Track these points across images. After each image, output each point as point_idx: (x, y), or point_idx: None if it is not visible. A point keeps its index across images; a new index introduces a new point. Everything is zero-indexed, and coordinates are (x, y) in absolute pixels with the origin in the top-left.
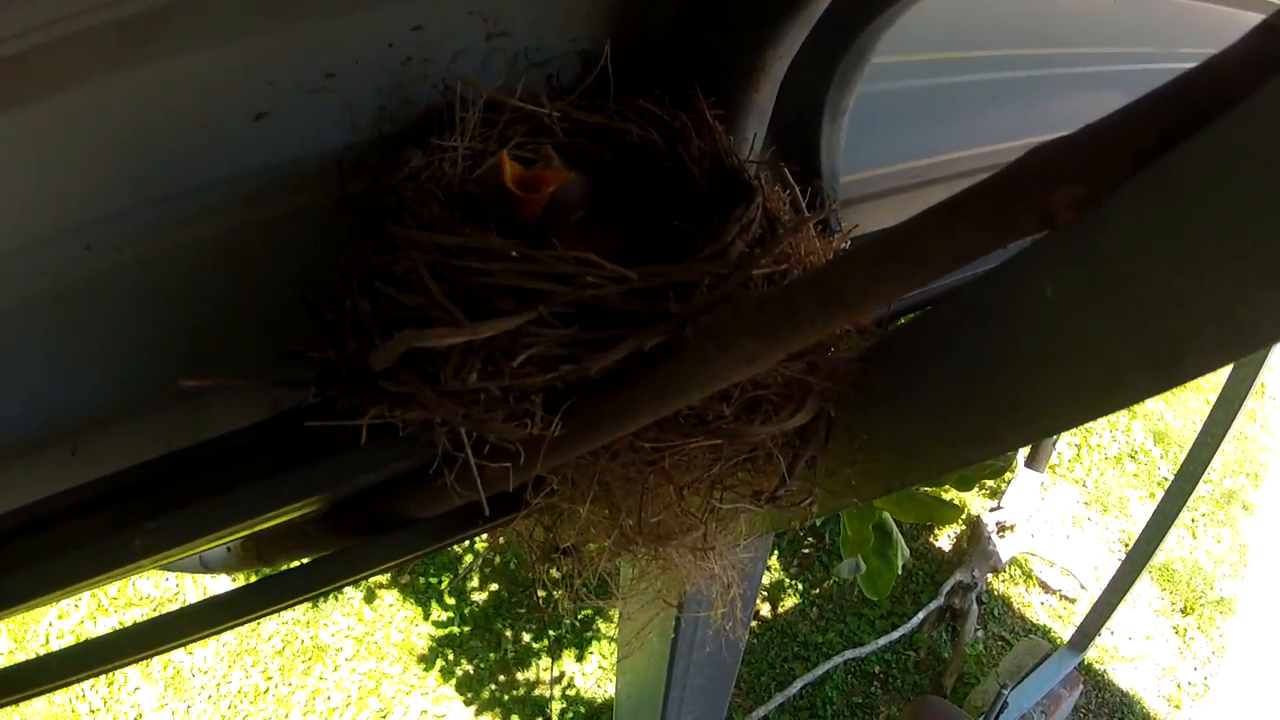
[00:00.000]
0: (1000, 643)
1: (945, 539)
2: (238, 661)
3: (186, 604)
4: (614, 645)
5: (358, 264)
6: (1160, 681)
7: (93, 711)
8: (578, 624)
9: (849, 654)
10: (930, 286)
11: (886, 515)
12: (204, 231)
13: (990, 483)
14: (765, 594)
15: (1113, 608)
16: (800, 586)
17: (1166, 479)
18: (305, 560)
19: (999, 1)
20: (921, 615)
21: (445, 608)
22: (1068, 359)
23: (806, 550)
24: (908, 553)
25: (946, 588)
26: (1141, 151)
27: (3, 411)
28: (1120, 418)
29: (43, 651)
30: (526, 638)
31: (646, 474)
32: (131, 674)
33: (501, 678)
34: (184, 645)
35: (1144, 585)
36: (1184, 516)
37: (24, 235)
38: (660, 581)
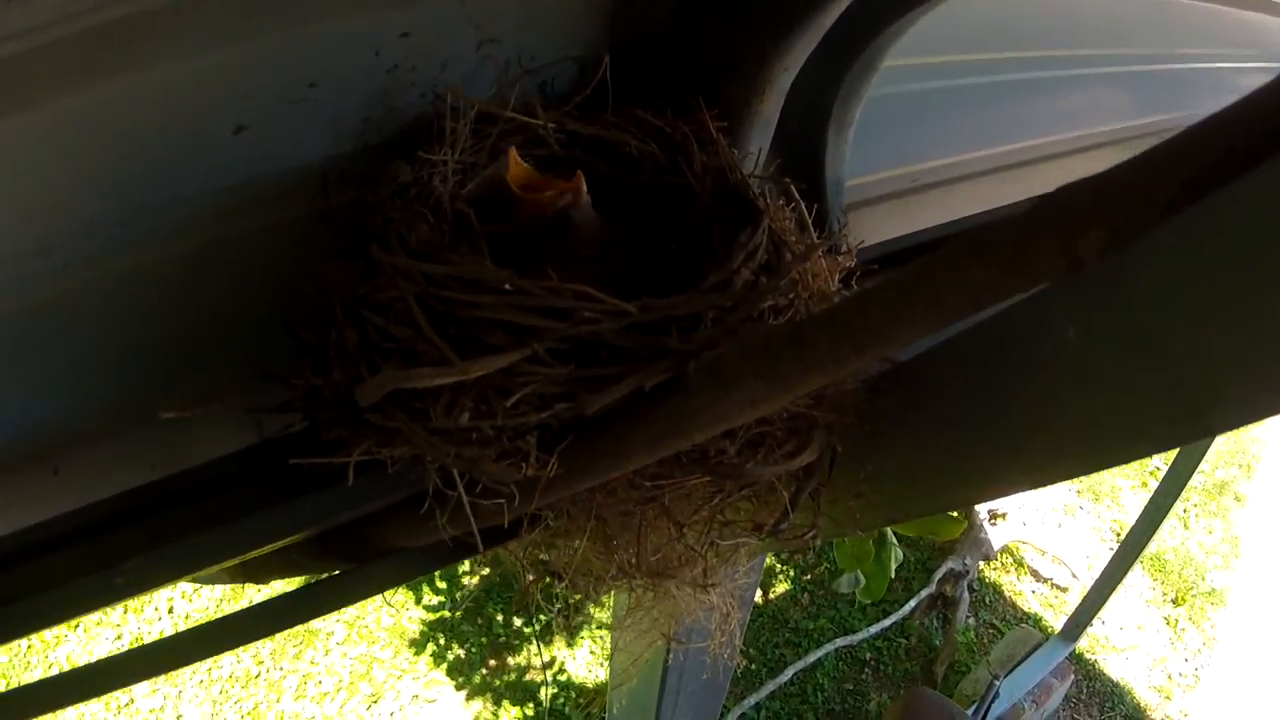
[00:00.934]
0: (991, 631)
1: None
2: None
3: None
4: (605, 632)
5: (342, 288)
6: (1151, 672)
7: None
8: (569, 609)
9: (840, 641)
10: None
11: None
12: (183, 246)
13: None
14: None
15: (1105, 598)
16: (792, 573)
17: (1159, 469)
18: (293, 585)
19: (999, 4)
20: (913, 603)
21: (436, 592)
22: (1086, 404)
23: None
24: (901, 556)
25: (938, 575)
26: (1174, 195)
27: None
28: None
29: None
30: (518, 622)
31: (645, 510)
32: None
33: (493, 662)
34: (168, 671)
35: (1135, 575)
36: (1176, 507)
37: None
38: (656, 611)
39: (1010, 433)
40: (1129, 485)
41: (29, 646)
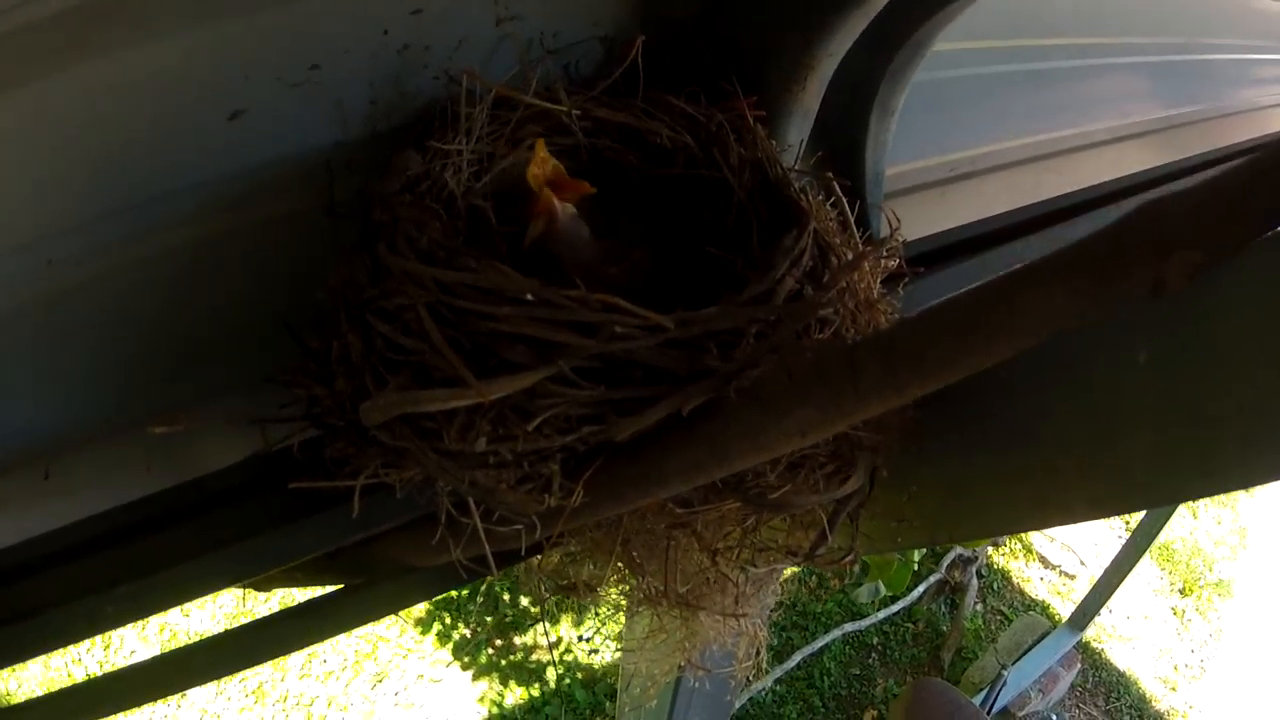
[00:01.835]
0: (999, 617)
1: None
2: (233, 625)
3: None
4: (612, 610)
5: (347, 289)
6: (1157, 662)
7: (89, 676)
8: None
9: (848, 626)
10: None
11: None
12: (176, 242)
13: None
14: None
15: (1113, 587)
16: None
17: None
18: (297, 601)
19: None
20: (921, 588)
21: None
22: (1155, 435)
23: None
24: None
25: (946, 561)
26: (1270, 211)
27: None
28: None
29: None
30: (524, 601)
31: (674, 534)
32: (128, 637)
33: (499, 642)
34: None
35: (1143, 564)
36: None
37: None
38: (680, 633)
39: (1073, 459)
40: None
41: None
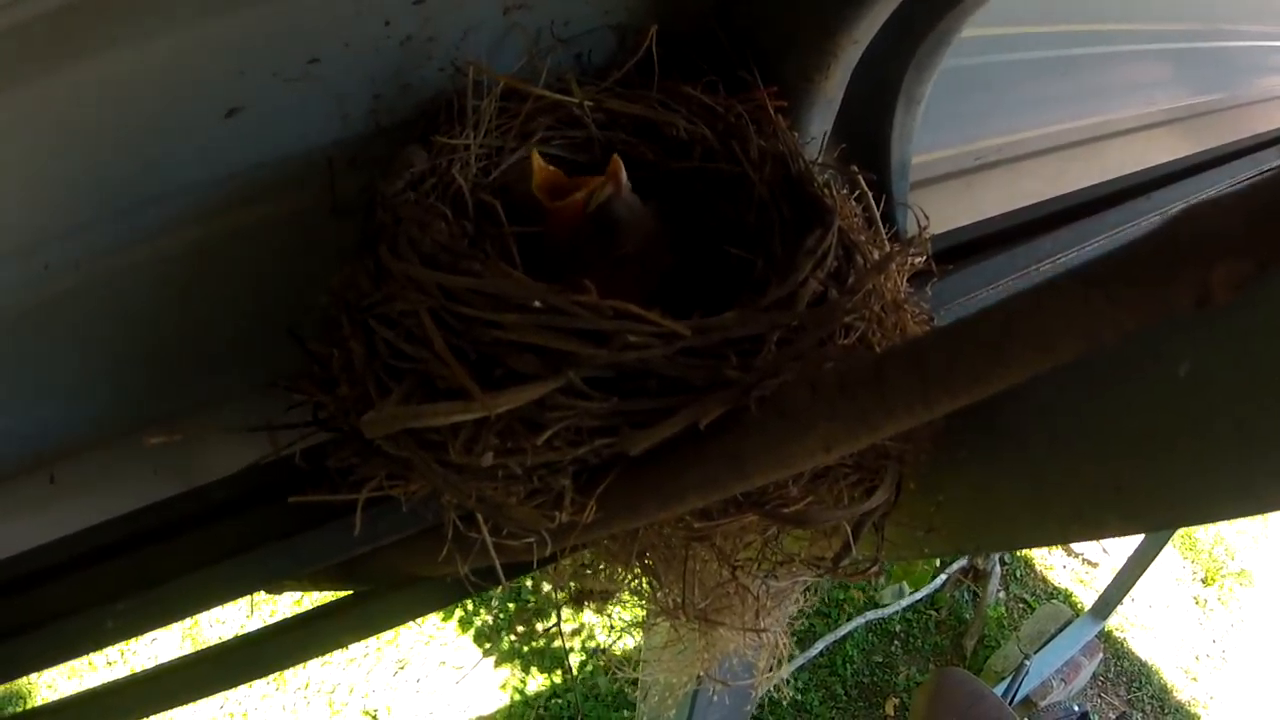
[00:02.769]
0: (1021, 605)
1: None
2: (256, 613)
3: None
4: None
5: (349, 292)
6: (1178, 652)
7: (110, 663)
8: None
9: (870, 614)
10: None
11: None
12: (175, 244)
13: None
14: None
15: (1135, 576)
16: None
17: None
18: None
19: None
20: (944, 576)
21: None
22: (1194, 451)
23: None
24: None
25: None
26: None
27: None
28: None
29: None
30: (546, 588)
31: (692, 547)
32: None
33: (520, 629)
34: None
35: (1166, 553)
36: None
37: None
38: (699, 645)
39: (1109, 471)
40: None
41: None
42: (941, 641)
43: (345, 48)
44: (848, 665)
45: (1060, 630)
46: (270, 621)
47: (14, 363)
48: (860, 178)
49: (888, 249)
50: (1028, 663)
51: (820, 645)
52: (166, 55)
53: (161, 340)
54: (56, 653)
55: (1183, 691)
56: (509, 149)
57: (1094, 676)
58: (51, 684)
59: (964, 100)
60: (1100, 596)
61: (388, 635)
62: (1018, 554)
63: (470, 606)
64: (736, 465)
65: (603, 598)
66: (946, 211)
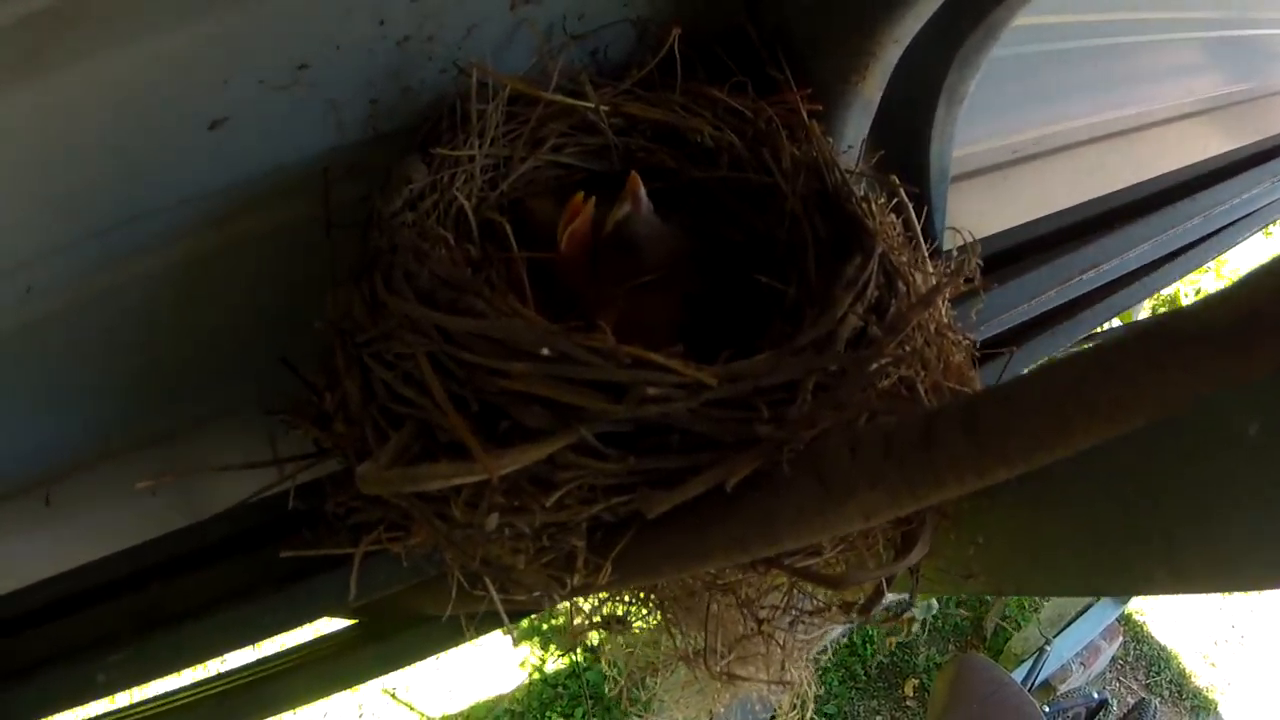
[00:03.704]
0: None
1: None
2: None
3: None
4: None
5: (345, 321)
6: (1197, 637)
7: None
8: None
9: (892, 596)
10: None
11: None
12: (162, 262)
13: None
14: None
15: None
16: None
17: None
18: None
19: None
20: None
21: None
22: (1257, 515)
23: None
24: None
25: None
26: None
27: None
28: None
29: None
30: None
31: (714, 595)
32: None
33: None
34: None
35: None
36: None
37: None
38: (716, 686)
39: (1163, 527)
40: None
41: None
42: (962, 623)
43: (337, 50)
44: (868, 646)
45: (1081, 614)
46: (276, 651)
47: (3, 385)
48: (902, 190)
49: (930, 269)
50: (1048, 647)
51: (841, 628)
52: (140, 67)
53: (154, 359)
54: (45, 705)
55: (1200, 677)
56: (518, 158)
57: (1113, 660)
58: None
59: (1000, 92)
60: None
61: None
62: None
63: None
64: (766, 529)
65: (621, 625)
66: (984, 206)
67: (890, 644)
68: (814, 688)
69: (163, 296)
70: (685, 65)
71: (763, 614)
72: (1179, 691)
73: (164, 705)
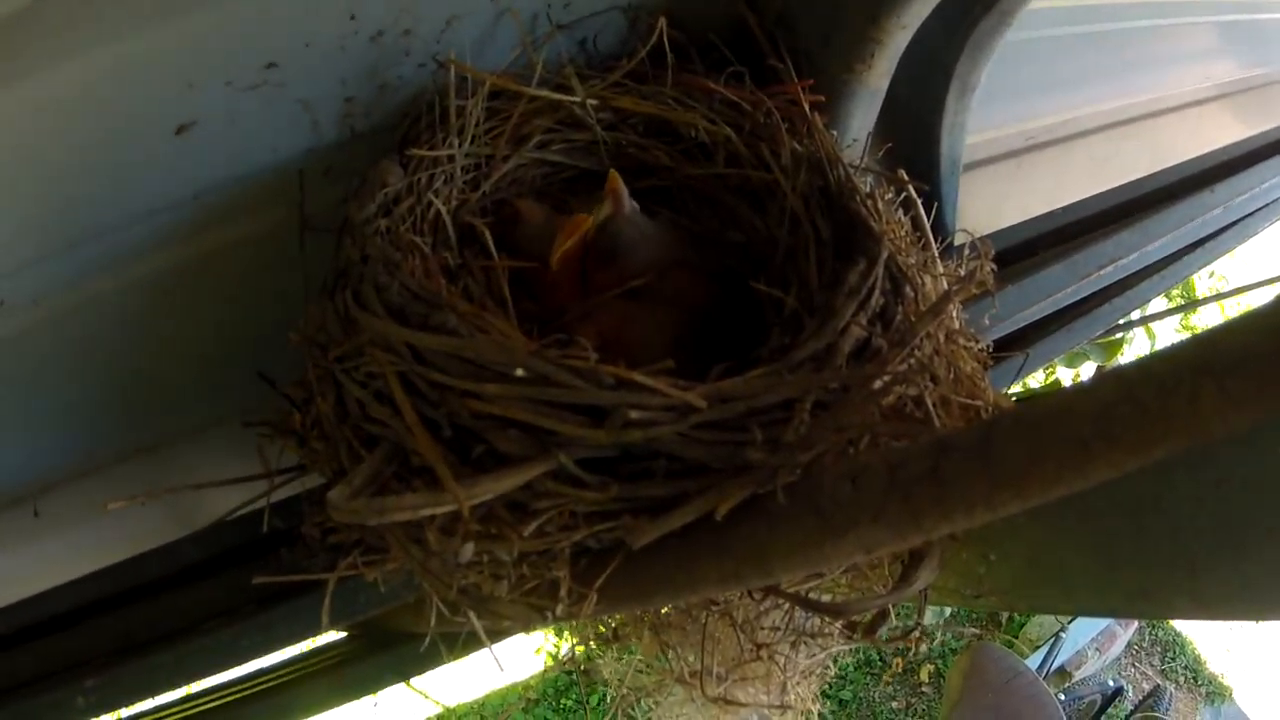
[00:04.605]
0: None
1: None
2: None
3: None
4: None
5: (320, 334)
6: (1213, 623)
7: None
8: None
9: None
10: None
11: None
12: (134, 274)
13: None
14: None
15: None
16: None
17: None
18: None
19: None
20: None
21: None
22: None
23: None
24: None
25: None
26: None
27: None
28: None
29: None
30: None
31: (709, 617)
32: None
33: None
34: None
35: None
36: None
37: None
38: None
39: (1186, 557)
40: None
41: None
42: (977, 610)
43: (306, 48)
44: (885, 630)
45: None
46: (274, 664)
47: None
48: (911, 186)
49: (940, 270)
50: (1063, 633)
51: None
52: (100, 74)
53: (135, 372)
54: None
55: (1215, 663)
56: (500, 157)
57: (1128, 646)
58: None
59: (1013, 78)
60: None
61: None
62: None
63: None
64: (759, 562)
65: (616, 639)
66: (999, 195)
67: (898, 665)
68: (817, 705)
69: (141, 309)
70: (679, 55)
71: (762, 635)
72: (1194, 678)
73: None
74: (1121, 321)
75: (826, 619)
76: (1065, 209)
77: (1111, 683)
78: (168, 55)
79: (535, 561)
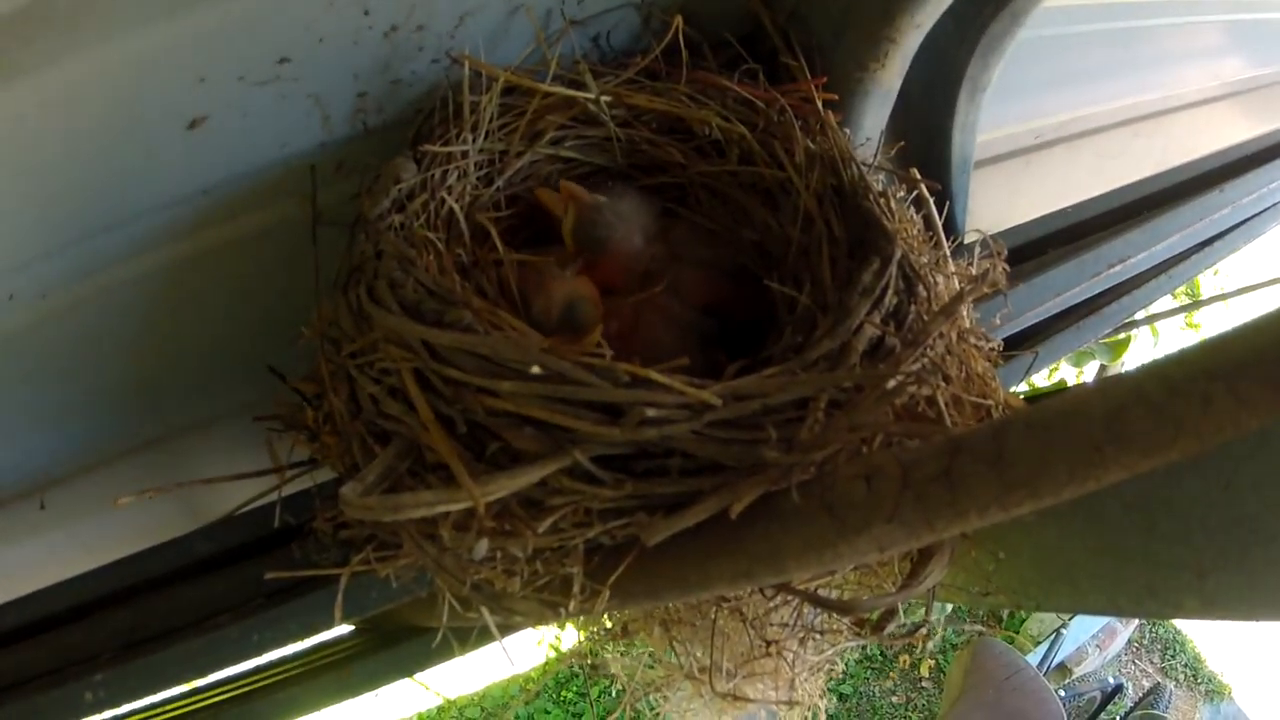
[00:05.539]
0: None
1: None
2: None
3: None
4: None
5: (332, 329)
6: (1212, 621)
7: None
8: None
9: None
10: None
11: None
12: (145, 267)
13: None
14: None
15: None
16: None
17: None
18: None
19: None
20: None
21: None
22: None
23: None
24: None
25: None
26: None
27: None
28: None
29: None
30: None
31: (719, 613)
32: None
33: None
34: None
35: None
36: None
37: None
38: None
39: (1195, 558)
40: None
41: None
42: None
43: (319, 42)
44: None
45: None
46: (279, 658)
47: None
48: (923, 185)
49: (952, 268)
50: (1064, 630)
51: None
52: (113, 68)
53: (143, 364)
54: None
55: (1215, 661)
56: (514, 153)
57: (1129, 643)
58: None
59: (1023, 76)
60: None
61: None
62: None
63: None
64: (773, 560)
65: (624, 634)
66: (1008, 193)
67: (904, 662)
68: (825, 700)
69: (151, 302)
70: (693, 52)
71: (771, 631)
72: (1194, 675)
73: (156, 715)
74: (1127, 320)
75: (835, 615)
76: (1074, 207)
77: (1111, 680)
78: (180, 50)
79: (549, 558)
